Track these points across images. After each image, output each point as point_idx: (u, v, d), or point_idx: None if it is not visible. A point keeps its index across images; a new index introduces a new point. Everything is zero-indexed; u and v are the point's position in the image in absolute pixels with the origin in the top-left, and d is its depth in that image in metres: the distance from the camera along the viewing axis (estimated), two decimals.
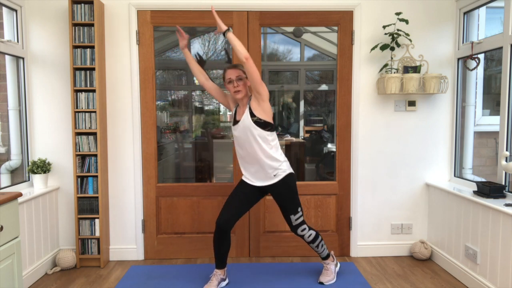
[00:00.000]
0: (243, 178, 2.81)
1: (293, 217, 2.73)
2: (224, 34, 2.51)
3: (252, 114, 2.61)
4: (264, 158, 2.64)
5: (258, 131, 2.61)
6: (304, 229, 2.77)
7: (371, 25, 3.35)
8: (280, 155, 2.71)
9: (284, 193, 2.72)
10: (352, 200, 3.49)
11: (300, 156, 4.70)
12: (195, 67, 2.85)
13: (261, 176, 2.71)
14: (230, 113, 2.84)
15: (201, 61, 4.12)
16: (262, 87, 2.55)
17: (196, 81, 4.76)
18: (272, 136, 2.67)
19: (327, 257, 2.98)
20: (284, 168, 2.70)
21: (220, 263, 2.85)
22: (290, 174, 2.73)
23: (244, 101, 2.70)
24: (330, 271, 2.97)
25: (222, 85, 2.86)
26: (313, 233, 2.80)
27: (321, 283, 2.92)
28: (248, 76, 2.54)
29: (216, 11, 3.31)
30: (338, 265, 3.07)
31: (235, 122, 2.72)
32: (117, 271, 3.22)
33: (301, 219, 2.76)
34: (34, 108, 3.30)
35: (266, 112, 2.62)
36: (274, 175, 2.68)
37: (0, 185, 3.20)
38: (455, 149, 3.43)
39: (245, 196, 2.77)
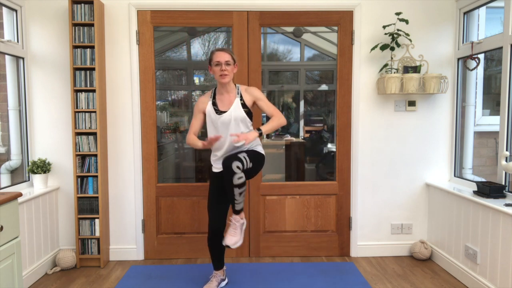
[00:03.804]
0: (213, 169, 2.75)
1: (244, 154, 2.55)
2: (260, 134, 2.56)
3: (244, 105, 2.64)
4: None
5: (246, 121, 2.65)
6: (240, 168, 2.47)
7: (371, 25, 3.35)
8: (257, 139, 2.75)
9: (251, 151, 2.63)
10: (352, 200, 3.49)
11: (300, 156, 4.70)
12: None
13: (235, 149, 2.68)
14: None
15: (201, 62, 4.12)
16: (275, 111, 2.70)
17: (196, 81, 4.76)
18: (251, 123, 2.73)
19: (240, 211, 2.63)
20: (260, 148, 2.73)
21: (218, 264, 2.85)
22: (263, 154, 2.74)
23: (229, 87, 2.66)
24: (239, 230, 2.65)
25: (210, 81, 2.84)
26: (245, 180, 2.53)
27: (228, 246, 2.61)
28: (269, 130, 2.61)
29: (216, 11, 3.33)
30: (245, 223, 2.71)
31: (220, 112, 2.65)
32: (117, 271, 3.22)
33: (245, 161, 2.50)
34: (34, 108, 3.30)
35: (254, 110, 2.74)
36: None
37: (0, 185, 3.20)
38: (455, 149, 3.43)
39: (221, 189, 2.68)
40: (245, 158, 2.52)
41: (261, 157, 2.73)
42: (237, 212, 2.63)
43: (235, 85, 2.72)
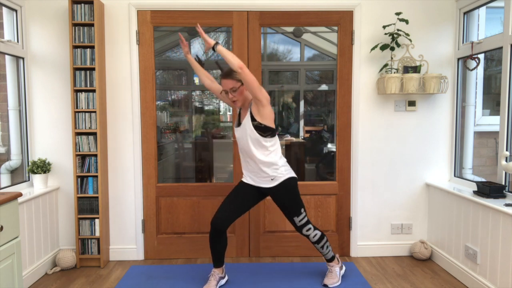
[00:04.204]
0: (243, 179, 2.81)
1: (296, 219, 2.72)
2: (213, 49, 2.48)
3: (253, 119, 2.58)
4: (261, 162, 2.63)
5: (256, 136, 2.58)
6: (309, 229, 2.75)
7: (371, 25, 3.35)
8: (279, 159, 2.67)
9: (283, 196, 2.70)
10: (352, 200, 3.49)
11: (300, 156, 4.70)
12: (201, 72, 2.88)
13: (260, 178, 2.70)
14: (231, 113, 2.82)
15: (200, 62, 4.11)
16: (261, 93, 2.50)
17: (196, 81, 4.76)
18: (271, 141, 2.64)
19: (332, 259, 2.94)
20: (282, 172, 2.67)
21: (218, 262, 2.85)
22: (289, 178, 2.69)
23: (245, 104, 2.69)
24: (335, 274, 2.93)
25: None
26: (318, 233, 2.78)
27: (325, 285, 2.88)
28: (245, 85, 2.48)
29: (216, 11, 3.32)
30: (344, 268, 3.04)
31: (239, 123, 2.71)
32: (117, 271, 3.22)
33: (305, 220, 2.74)
34: (34, 108, 3.30)
35: (266, 117, 2.57)
36: (272, 179, 2.67)
37: (0, 185, 3.20)
38: (455, 149, 3.43)
39: (244, 196, 2.76)
40: (301, 218, 2.73)
41: (294, 184, 2.73)
42: (329, 261, 2.95)
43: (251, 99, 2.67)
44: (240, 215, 2.78)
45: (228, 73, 2.59)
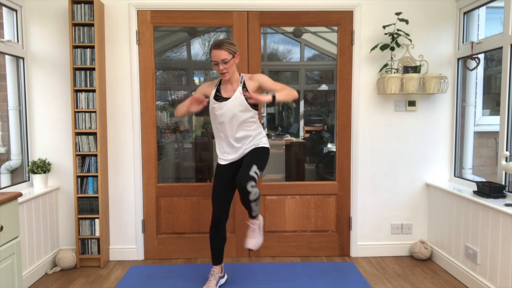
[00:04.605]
0: (219, 161, 2.78)
1: (254, 167, 2.58)
2: (273, 103, 2.53)
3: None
4: (249, 133, 2.67)
5: (250, 110, 2.64)
6: (254, 186, 2.56)
7: (371, 25, 3.35)
8: (262, 128, 2.77)
9: (256, 152, 2.69)
10: (352, 200, 3.49)
11: (300, 156, 4.70)
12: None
13: (241, 150, 2.71)
14: (208, 98, 2.76)
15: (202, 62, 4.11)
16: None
17: (196, 81, 4.75)
18: (257, 113, 2.73)
19: (256, 216, 2.74)
20: (264, 141, 2.75)
21: (217, 259, 2.85)
22: (267, 147, 2.76)
23: (232, 79, 2.67)
24: (258, 232, 2.75)
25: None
26: (258, 192, 2.61)
27: (250, 249, 2.71)
28: (286, 99, 2.61)
29: (216, 11, 3.33)
30: (262, 221, 2.82)
31: (223, 99, 2.66)
32: (117, 271, 3.22)
33: (257, 176, 2.58)
34: (34, 108, 3.30)
35: (259, 92, 2.70)
36: (254, 145, 2.70)
37: (0, 185, 3.20)
38: (455, 149, 3.43)
39: (226, 180, 2.75)
40: (256, 173, 2.59)
41: (267, 152, 2.76)
42: (254, 218, 2.74)
43: (239, 74, 2.72)
44: (232, 199, 2.80)
45: (219, 44, 2.57)
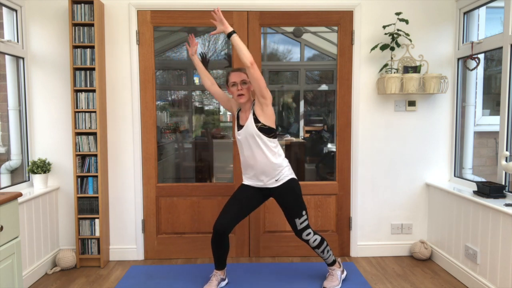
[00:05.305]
0: (244, 182, 2.78)
1: (297, 221, 2.68)
2: (228, 36, 2.46)
3: (256, 120, 2.58)
4: (266, 164, 2.62)
5: (261, 137, 2.58)
6: (309, 233, 2.70)
7: (371, 25, 3.35)
8: (282, 160, 2.68)
9: (287, 196, 2.68)
10: (352, 200, 3.49)
11: (300, 156, 4.70)
12: (203, 72, 2.85)
13: (263, 180, 2.69)
14: (230, 113, 2.82)
15: (204, 61, 4.11)
16: (267, 91, 2.53)
17: (196, 81, 4.75)
18: (275, 142, 2.65)
19: (333, 263, 2.90)
20: (286, 173, 2.68)
21: (220, 265, 2.84)
22: (293, 179, 2.70)
23: (247, 106, 2.68)
24: (336, 277, 2.88)
25: (223, 85, 2.85)
26: (318, 238, 2.74)
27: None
28: (252, 82, 2.48)
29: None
30: (345, 272, 3.00)
31: (239, 127, 2.69)
32: (117, 271, 3.22)
33: (306, 223, 2.69)
34: (34, 108, 3.30)
35: (269, 118, 2.59)
36: (276, 180, 2.66)
37: (0, 185, 3.20)
38: (455, 149, 3.43)
39: (246, 199, 2.74)
40: (303, 221, 2.68)
41: (297, 185, 2.73)
42: (330, 265, 2.90)
43: (253, 101, 2.67)
44: (242, 218, 2.76)
45: (238, 68, 2.71)
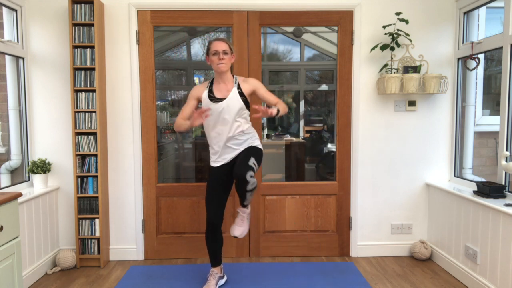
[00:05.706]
0: (212, 164, 2.76)
1: (252, 159, 2.60)
2: (277, 113, 2.54)
3: (241, 94, 2.66)
4: (244, 133, 2.68)
5: (245, 110, 2.67)
6: (253, 176, 2.55)
7: (371, 25, 3.35)
8: (254, 130, 2.80)
9: (251, 148, 2.70)
10: (352, 200, 3.49)
11: (300, 156, 4.70)
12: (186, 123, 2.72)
13: (236, 152, 2.71)
14: (201, 105, 2.76)
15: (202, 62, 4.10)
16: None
17: (196, 81, 4.76)
18: (249, 113, 2.76)
19: (248, 205, 2.74)
20: (258, 142, 2.77)
21: (215, 261, 2.85)
22: (261, 149, 2.78)
23: (226, 76, 2.68)
24: (246, 221, 2.76)
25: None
26: (256, 182, 2.60)
27: (236, 237, 2.73)
28: (282, 111, 2.59)
29: (216, 11, 3.32)
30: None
31: (217, 99, 2.65)
32: (117, 271, 3.22)
33: (255, 167, 2.60)
34: (34, 108, 3.30)
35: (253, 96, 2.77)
36: (247, 144, 2.72)
37: (0, 185, 3.20)
38: (455, 149, 3.43)
39: (220, 183, 2.76)
40: (255, 164, 2.60)
41: (261, 152, 2.78)
42: (245, 206, 2.75)
43: (233, 76, 2.74)
44: (226, 202, 2.81)
45: (221, 38, 2.71)
